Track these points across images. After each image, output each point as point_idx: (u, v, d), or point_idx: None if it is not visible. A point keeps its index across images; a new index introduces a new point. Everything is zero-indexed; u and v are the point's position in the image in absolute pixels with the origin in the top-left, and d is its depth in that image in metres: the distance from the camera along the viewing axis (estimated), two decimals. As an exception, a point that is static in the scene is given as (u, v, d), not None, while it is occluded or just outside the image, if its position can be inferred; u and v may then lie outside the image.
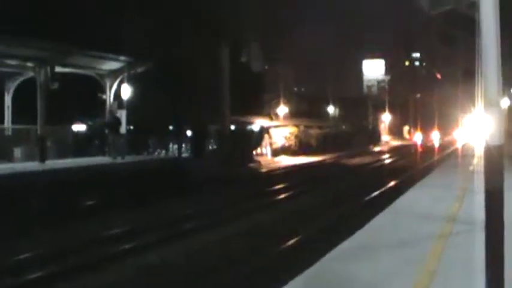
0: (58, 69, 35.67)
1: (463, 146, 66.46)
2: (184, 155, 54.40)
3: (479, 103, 5.94)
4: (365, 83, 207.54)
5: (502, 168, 5.84)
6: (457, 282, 9.03)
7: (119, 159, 37.09)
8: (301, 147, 72.76)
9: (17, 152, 36.34)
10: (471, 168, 31.35)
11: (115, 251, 16.69)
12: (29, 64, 35.18)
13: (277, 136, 71.34)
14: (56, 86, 34.97)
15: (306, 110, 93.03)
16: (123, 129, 39.92)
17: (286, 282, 9.35)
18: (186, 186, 32.41)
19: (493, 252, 5.80)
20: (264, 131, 68.67)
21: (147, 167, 36.34)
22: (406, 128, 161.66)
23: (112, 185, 28.77)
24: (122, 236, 19.01)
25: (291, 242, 17.47)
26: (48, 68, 34.73)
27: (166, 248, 17.23)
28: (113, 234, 19.47)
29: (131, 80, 40.92)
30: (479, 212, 6.03)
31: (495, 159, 5.83)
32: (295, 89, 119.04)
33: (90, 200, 26.41)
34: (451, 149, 76.34)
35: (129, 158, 38.79)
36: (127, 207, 24.63)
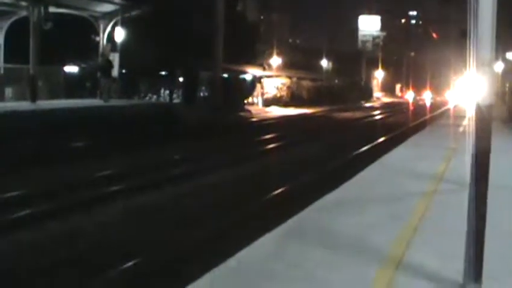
0: (52, 9, 35.39)
1: (454, 106, 66.61)
2: (176, 100, 54.47)
3: (472, 63, 5.93)
4: (360, 39, 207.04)
5: (491, 128, 5.87)
6: (438, 239, 9.12)
7: (110, 102, 36.95)
8: (293, 98, 72.84)
9: (8, 91, 36.28)
10: (461, 129, 31.44)
11: (103, 192, 16.65)
12: (23, 3, 34.86)
13: (269, 86, 71.45)
14: (49, 26, 34.72)
15: (299, 62, 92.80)
16: (115, 72, 39.78)
17: (270, 230, 9.44)
18: (175, 131, 32.37)
19: (475, 212, 5.84)
20: (256, 80, 68.69)
21: (137, 111, 36.22)
22: (398, 86, 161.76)
23: (100, 128, 28.67)
24: (105, 178, 18.93)
25: (274, 193, 17.36)
26: (42, 8, 34.45)
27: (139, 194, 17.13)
28: (100, 176, 19.41)
29: (125, 24, 40.71)
30: (465, 173, 6.08)
31: (485, 119, 5.86)
32: (290, 40, 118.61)
33: (79, 142, 26.26)
34: (442, 109, 76.40)
35: (120, 102, 38.70)
36: (113, 150, 24.53)
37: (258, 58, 76.22)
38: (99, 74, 39.22)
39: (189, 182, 19.06)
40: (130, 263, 10.60)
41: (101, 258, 11.18)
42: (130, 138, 27.48)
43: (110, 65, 38.86)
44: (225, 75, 59.34)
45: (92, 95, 41.51)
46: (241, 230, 12.07)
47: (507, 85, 66.16)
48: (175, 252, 11.50)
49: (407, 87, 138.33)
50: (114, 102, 37.54)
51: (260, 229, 9.73)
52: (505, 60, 66.27)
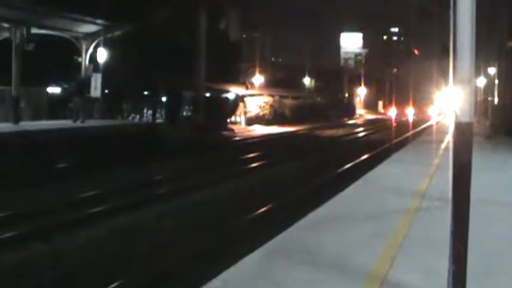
0: (34, 30, 35.47)
1: (437, 122, 66.87)
2: (159, 120, 54.42)
3: (452, 79, 5.95)
4: (342, 56, 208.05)
5: (471, 145, 5.89)
6: (422, 256, 9.14)
7: (86, 123, 36.89)
8: (275, 116, 72.92)
9: (-9, 113, 36.24)
10: (444, 145, 31.58)
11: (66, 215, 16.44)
12: (5, 25, 34.89)
13: (252, 105, 71.45)
14: (31, 47, 34.81)
15: (281, 80, 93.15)
16: (97, 92, 39.71)
17: (252, 250, 9.42)
18: (156, 152, 32.16)
19: (457, 229, 5.85)
20: (239, 99, 68.80)
21: (118, 132, 36.01)
22: (380, 103, 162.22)
23: (81, 149, 28.48)
24: (79, 200, 18.71)
25: (256, 213, 17.28)
26: (24, 29, 34.52)
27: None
28: (72, 198, 19.16)
29: (107, 44, 40.75)
30: (447, 189, 6.09)
31: (465, 136, 5.87)
32: (272, 58, 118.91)
33: (60, 163, 26.15)
34: (425, 125, 76.69)
35: (102, 122, 38.68)
36: (90, 172, 24.31)
37: (240, 77, 76.40)
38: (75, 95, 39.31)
39: (168, 202, 18.91)
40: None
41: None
42: (110, 159, 27.37)
43: (86, 85, 38.91)
44: (208, 94, 59.44)
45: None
46: (223, 252, 12.04)
47: (489, 98, 66.57)
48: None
49: (390, 104, 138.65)
50: (95, 123, 37.56)
51: (243, 248, 9.74)
52: (487, 75, 66.69)
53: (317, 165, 30.81)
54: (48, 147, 27.30)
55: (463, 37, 5.87)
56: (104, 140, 31.91)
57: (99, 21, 38.38)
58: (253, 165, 29.62)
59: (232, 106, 67.99)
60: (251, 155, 33.37)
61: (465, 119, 5.86)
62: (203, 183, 22.78)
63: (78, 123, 36.52)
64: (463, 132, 5.88)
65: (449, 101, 6.04)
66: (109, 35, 40.59)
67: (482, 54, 51.17)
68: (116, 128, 38.08)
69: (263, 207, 17.59)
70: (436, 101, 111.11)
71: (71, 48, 41.96)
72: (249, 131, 59.61)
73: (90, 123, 37.47)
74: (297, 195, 20.29)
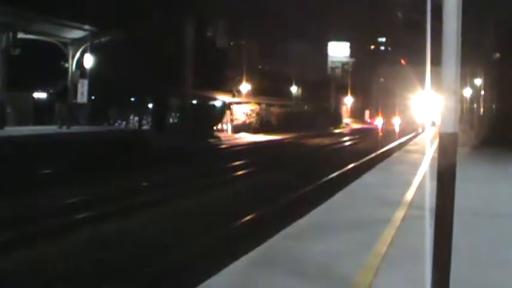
0: (20, 35, 35.38)
1: (423, 131, 67.03)
2: (145, 127, 54.40)
3: (435, 89, 5.96)
4: (329, 65, 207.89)
5: (455, 156, 5.88)
6: (406, 266, 9.14)
7: (71, 129, 36.80)
8: (262, 124, 72.89)
9: (-24, 117, 36.15)
10: (430, 154, 31.60)
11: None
12: (-9, 29, 34.83)
13: (238, 113, 71.46)
14: (17, 52, 34.71)
15: (268, 88, 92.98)
16: (84, 98, 39.67)
17: (237, 258, 9.39)
18: (138, 159, 31.97)
19: (441, 238, 5.85)
20: (225, 107, 68.85)
21: (102, 138, 35.89)
22: (367, 112, 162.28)
23: (64, 156, 28.29)
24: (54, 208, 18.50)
25: (240, 222, 17.21)
26: (11, 34, 34.44)
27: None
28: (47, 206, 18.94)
29: (95, 50, 40.69)
30: (432, 199, 6.08)
31: (449, 147, 5.86)
32: (259, 66, 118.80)
33: (43, 170, 25.95)
34: (411, 134, 76.75)
35: (88, 129, 38.65)
36: (71, 179, 24.01)
37: (227, 84, 76.33)
38: (56, 101, 39.34)
39: (146, 212, 18.67)
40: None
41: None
42: (92, 166, 27.17)
43: (65, 91, 38.88)
44: (195, 102, 59.38)
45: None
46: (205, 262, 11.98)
47: (475, 105, 66.90)
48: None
49: (377, 113, 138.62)
50: (81, 129, 37.49)
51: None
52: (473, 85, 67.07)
53: (304, 173, 30.71)
54: (29, 153, 27.20)
55: (449, 48, 5.86)
56: (85, 146, 31.78)
57: (86, 27, 38.35)
58: (238, 173, 29.55)
59: (219, 114, 68.02)
60: (236, 163, 33.22)
61: (450, 129, 5.85)
62: (188, 191, 22.69)
63: (64, 129, 36.44)
64: (447, 143, 5.87)
65: (432, 111, 6.06)
66: (96, 41, 40.55)
67: (469, 65, 51.45)
68: (100, 135, 38.00)
69: (248, 215, 17.53)
70: (422, 110, 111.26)
71: (58, 54, 41.88)
72: (236, 138, 59.63)
73: (76, 129, 37.39)
74: (282, 203, 20.25)
